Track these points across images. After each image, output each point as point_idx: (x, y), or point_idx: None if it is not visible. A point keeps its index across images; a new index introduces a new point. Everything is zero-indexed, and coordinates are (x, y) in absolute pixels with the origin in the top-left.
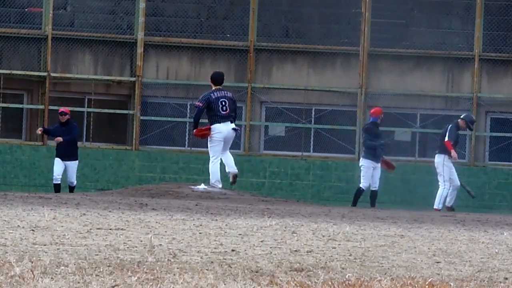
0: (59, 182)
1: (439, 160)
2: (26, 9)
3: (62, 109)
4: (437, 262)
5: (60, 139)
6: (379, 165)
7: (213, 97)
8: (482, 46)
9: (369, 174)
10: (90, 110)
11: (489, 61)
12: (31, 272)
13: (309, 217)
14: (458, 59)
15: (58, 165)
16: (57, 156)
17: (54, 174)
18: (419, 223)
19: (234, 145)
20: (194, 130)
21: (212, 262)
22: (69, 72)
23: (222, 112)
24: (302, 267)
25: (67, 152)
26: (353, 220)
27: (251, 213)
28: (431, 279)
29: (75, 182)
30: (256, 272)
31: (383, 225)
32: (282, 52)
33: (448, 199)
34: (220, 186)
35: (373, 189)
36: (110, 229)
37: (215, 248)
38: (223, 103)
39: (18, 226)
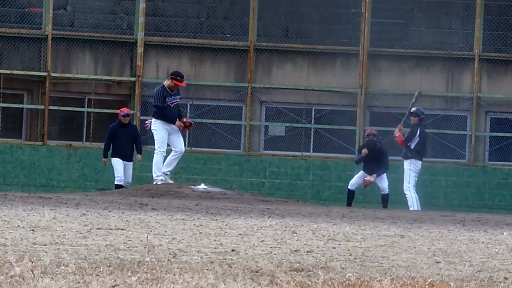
0: (123, 183)
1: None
2: (26, 9)
3: (126, 110)
4: (437, 262)
5: (140, 156)
6: (380, 176)
7: None
8: (482, 46)
9: (356, 175)
10: (90, 110)
11: (489, 61)
12: (31, 272)
13: (309, 217)
14: (458, 59)
15: (121, 166)
16: (117, 156)
17: (118, 175)
18: (419, 223)
19: (235, 144)
20: None
21: (212, 262)
22: (69, 72)
23: None
24: (302, 267)
25: (128, 153)
26: (353, 220)
27: (251, 213)
28: (431, 279)
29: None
30: (256, 272)
31: (383, 225)
32: (282, 52)
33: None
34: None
35: (383, 193)
36: (110, 229)
37: (215, 248)
38: None
39: (18, 226)
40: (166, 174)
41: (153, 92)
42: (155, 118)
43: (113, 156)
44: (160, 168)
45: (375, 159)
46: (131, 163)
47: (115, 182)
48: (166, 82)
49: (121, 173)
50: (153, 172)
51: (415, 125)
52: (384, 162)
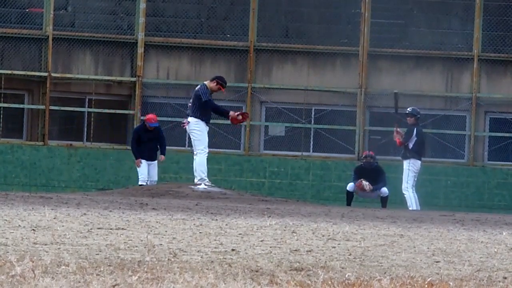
0: (148, 182)
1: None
2: (27, 10)
3: (154, 120)
4: (437, 262)
5: (163, 157)
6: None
7: None
8: (481, 47)
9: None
10: (90, 110)
11: (488, 61)
12: (32, 272)
13: (309, 217)
14: (457, 59)
15: (144, 167)
16: (141, 158)
17: (142, 176)
18: (418, 223)
19: (235, 144)
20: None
21: (212, 261)
22: (69, 72)
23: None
24: (302, 267)
25: (153, 153)
26: (352, 219)
27: (251, 213)
28: (430, 278)
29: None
30: (256, 271)
31: (382, 225)
32: (282, 52)
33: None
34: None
35: (382, 196)
36: (111, 228)
37: (215, 248)
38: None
39: (19, 225)
40: (204, 179)
41: (196, 90)
42: (198, 118)
43: (138, 157)
44: (205, 169)
45: (373, 178)
46: (156, 162)
47: (139, 182)
48: (209, 84)
49: (145, 174)
50: (196, 174)
51: (412, 125)
52: (381, 179)
